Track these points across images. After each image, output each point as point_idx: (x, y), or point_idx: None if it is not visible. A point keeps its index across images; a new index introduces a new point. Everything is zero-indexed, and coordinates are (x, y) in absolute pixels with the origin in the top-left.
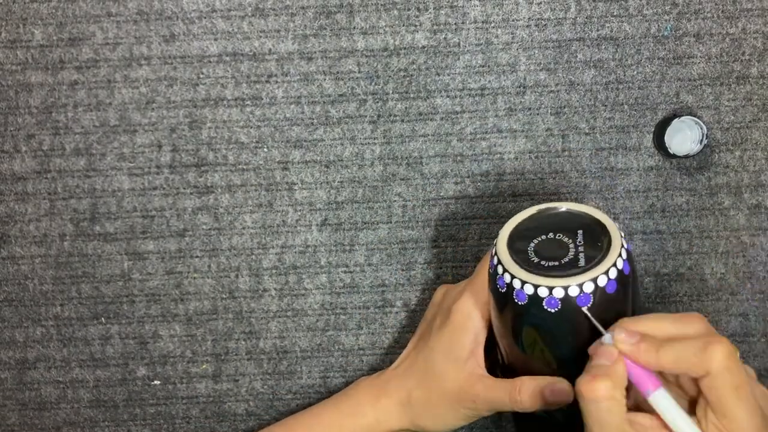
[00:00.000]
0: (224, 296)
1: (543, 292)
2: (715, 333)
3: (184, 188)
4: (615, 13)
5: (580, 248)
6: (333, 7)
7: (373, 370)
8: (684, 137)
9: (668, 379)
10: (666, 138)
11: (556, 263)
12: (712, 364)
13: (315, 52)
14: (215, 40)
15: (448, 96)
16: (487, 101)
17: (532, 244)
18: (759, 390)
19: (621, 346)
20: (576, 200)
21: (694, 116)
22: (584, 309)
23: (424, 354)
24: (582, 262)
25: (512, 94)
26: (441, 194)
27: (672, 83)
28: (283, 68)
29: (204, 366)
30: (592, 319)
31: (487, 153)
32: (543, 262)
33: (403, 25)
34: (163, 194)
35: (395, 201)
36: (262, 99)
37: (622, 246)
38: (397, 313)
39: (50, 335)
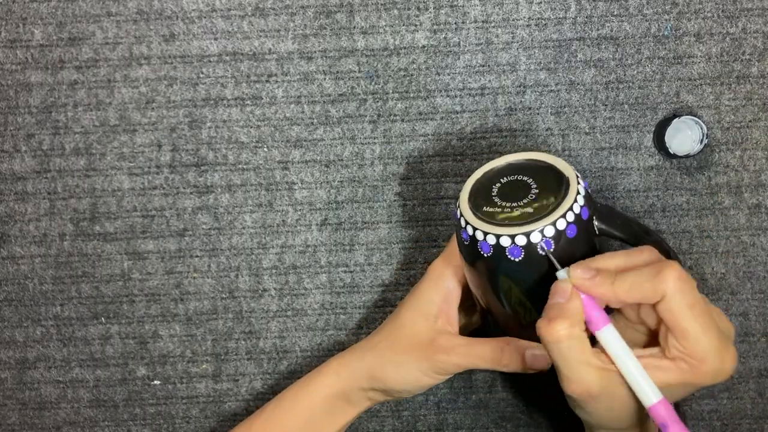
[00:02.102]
0: (224, 296)
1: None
2: (667, 260)
3: (184, 188)
4: (615, 13)
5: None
6: (333, 6)
7: None
8: (684, 137)
9: (630, 318)
10: (666, 138)
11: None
12: (666, 287)
13: (315, 52)
14: (215, 39)
15: (448, 95)
16: (487, 101)
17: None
18: (715, 310)
19: (576, 281)
20: None
21: (695, 116)
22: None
23: (395, 312)
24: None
25: (512, 93)
26: (441, 194)
27: (672, 83)
28: (283, 68)
29: (204, 366)
30: (551, 257)
31: (487, 153)
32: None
33: (404, 25)
34: (163, 194)
35: (395, 201)
36: (262, 98)
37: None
38: None
39: (50, 335)
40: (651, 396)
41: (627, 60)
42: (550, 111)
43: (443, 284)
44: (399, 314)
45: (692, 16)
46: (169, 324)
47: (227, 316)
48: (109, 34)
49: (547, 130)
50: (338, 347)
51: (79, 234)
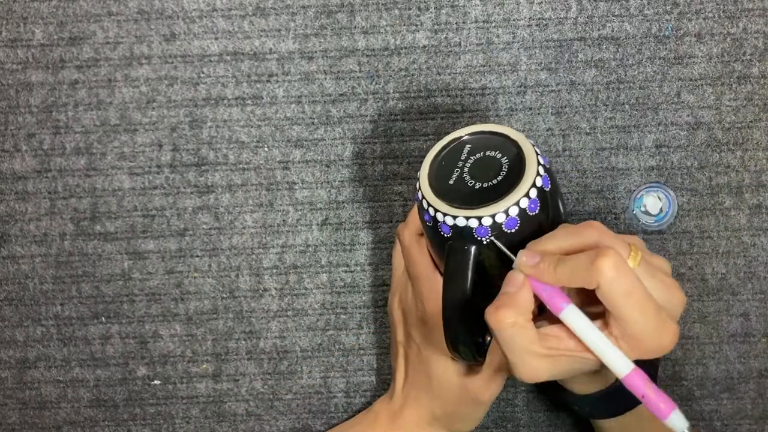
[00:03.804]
0: (224, 296)
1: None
2: (608, 239)
3: (185, 187)
4: (616, 13)
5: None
6: (334, 6)
7: (374, 370)
8: (654, 201)
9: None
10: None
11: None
12: (600, 277)
13: (316, 52)
14: (216, 39)
15: (448, 95)
16: (488, 101)
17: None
18: (664, 284)
19: (524, 270)
20: (577, 200)
21: (664, 183)
22: (486, 239)
23: (423, 369)
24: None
25: (513, 93)
26: None
27: (673, 83)
28: (283, 67)
29: (204, 366)
30: (501, 246)
31: None
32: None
33: (404, 25)
34: (163, 193)
35: (396, 200)
36: (263, 98)
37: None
38: None
39: (50, 334)
40: (623, 367)
41: (628, 60)
42: (550, 111)
43: None
44: (436, 375)
45: (693, 17)
46: (169, 324)
47: (228, 315)
48: (109, 34)
49: (547, 130)
50: (338, 347)
51: (79, 233)
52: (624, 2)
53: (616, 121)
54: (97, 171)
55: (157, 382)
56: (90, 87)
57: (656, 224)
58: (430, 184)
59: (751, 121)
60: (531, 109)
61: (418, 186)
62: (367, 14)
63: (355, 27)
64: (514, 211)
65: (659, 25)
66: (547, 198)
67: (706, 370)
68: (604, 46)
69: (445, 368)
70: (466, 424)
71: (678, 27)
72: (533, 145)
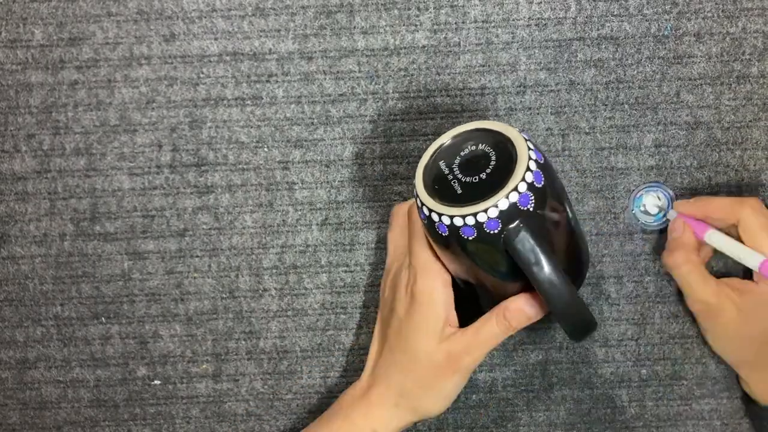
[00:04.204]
0: (224, 296)
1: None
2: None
3: (185, 188)
4: (615, 13)
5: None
6: (333, 6)
7: None
8: (653, 200)
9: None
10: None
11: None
12: (743, 211)
13: (315, 52)
14: (215, 39)
15: (448, 95)
16: (487, 101)
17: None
18: None
19: (681, 208)
20: (577, 200)
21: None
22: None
23: (399, 345)
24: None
25: (512, 93)
26: None
27: (672, 82)
28: (283, 68)
29: (204, 366)
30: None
31: None
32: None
33: (404, 25)
34: (163, 194)
35: (396, 200)
36: (263, 98)
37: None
38: None
39: (50, 335)
40: (757, 256)
41: (627, 60)
42: (550, 111)
43: (438, 295)
44: (414, 347)
45: (692, 16)
46: (169, 324)
47: (227, 316)
48: (109, 34)
49: (547, 129)
50: (338, 347)
51: (79, 234)
52: (623, 2)
53: (615, 121)
54: (97, 171)
55: (157, 382)
56: (90, 87)
57: (655, 224)
58: (425, 183)
59: (750, 121)
60: (530, 108)
61: (414, 189)
62: (367, 14)
63: (354, 27)
64: (504, 204)
65: (658, 25)
66: (544, 191)
67: (705, 369)
68: (604, 46)
69: (426, 338)
70: (436, 402)
71: (677, 27)
72: (527, 140)
